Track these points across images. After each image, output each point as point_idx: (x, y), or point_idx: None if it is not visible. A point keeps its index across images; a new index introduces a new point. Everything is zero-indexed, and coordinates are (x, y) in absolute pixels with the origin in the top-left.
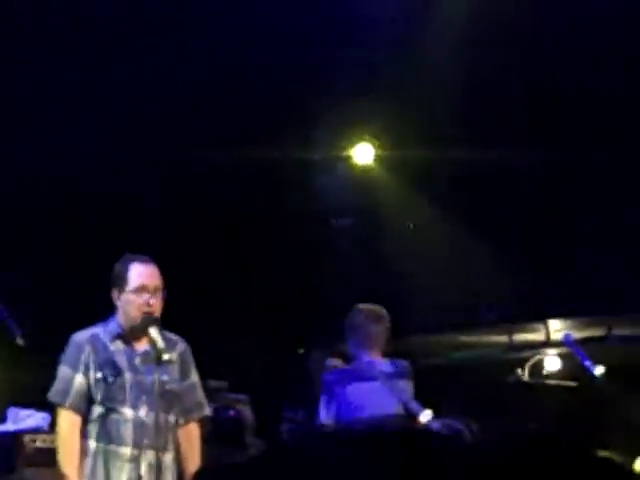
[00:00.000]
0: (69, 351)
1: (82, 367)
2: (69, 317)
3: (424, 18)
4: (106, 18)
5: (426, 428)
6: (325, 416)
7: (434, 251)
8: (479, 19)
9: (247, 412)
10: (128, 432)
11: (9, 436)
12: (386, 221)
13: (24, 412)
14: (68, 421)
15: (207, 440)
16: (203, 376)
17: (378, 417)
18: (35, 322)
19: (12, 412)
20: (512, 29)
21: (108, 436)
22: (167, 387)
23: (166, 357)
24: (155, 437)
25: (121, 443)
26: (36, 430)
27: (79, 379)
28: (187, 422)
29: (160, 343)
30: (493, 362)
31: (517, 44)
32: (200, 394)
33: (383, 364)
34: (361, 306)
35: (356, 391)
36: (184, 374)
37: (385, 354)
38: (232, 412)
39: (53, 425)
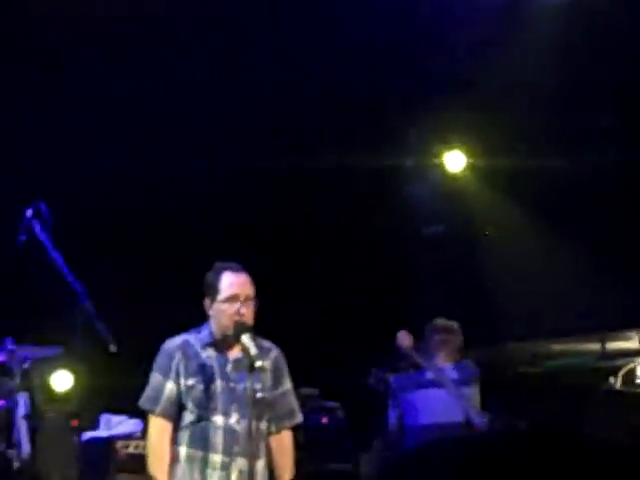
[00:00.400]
0: (160, 358)
1: (173, 374)
2: (161, 324)
3: (517, 27)
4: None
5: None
6: (390, 420)
7: (526, 259)
8: (573, 25)
9: (340, 419)
10: (219, 439)
11: (102, 442)
12: (477, 229)
13: (116, 418)
14: (158, 427)
15: (302, 447)
16: (296, 383)
17: (440, 425)
18: (127, 329)
19: (104, 418)
20: (606, 35)
21: (199, 443)
22: (259, 395)
23: (259, 364)
24: (246, 445)
25: (212, 450)
26: (128, 436)
27: (170, 386)
28: (279, 430)
29: (253, 350)
30: (586, 370)
31: (610, 49)
32: (293, 401)
33: (450, 370)
34: (435, 321)
35: (421, 398)
36: (277, 382)
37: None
38: (325, 419)
39: (146, 431)
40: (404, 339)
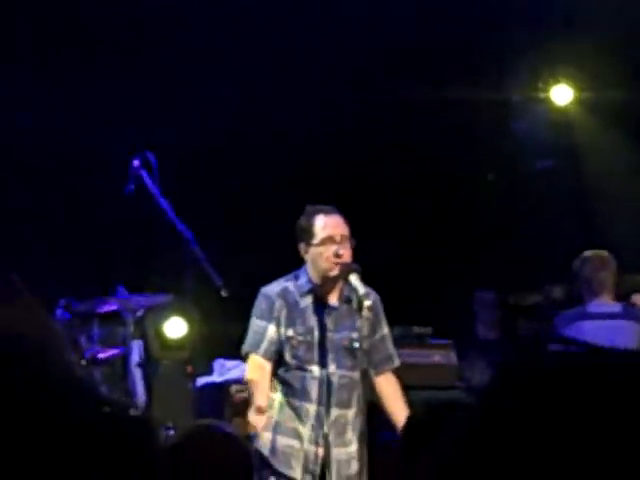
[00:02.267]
0: (261, 304)
1: (274, 320)
2: (271, 268)
3: None
4: None
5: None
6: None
7: (633, 193)
8: None
9: (452, 357)
10: (314, 389)
11: (216, 387)
12: (586, 163)
13: (230, 363)
14: (257, 364)
15: (412, 387)
16: (409, 322)
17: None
18: (237, 274)
19: (218, 364)
20: None
21: (294, 391)
22: (356, 345)
23: (367, 304)
24: (340, 394)
25: (307, 399)
26: (242, 381)
27: (272, 330)
28: (378, 375)
29: (361, 290)
30: None
31: None
32: (390, 346)
33: (612, 306)
34: (587, 253)
35: (584, 331)
36: (374, 327)
37: (617, 297)
38: (437, 357)
39: None
40: None
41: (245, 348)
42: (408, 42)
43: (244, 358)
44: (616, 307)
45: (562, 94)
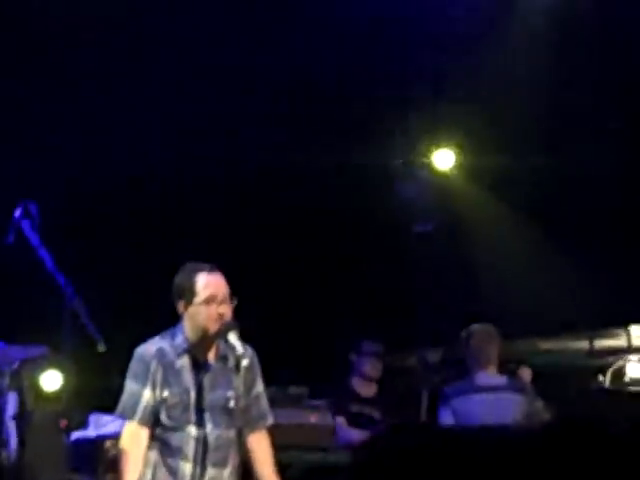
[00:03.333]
0: (136, 365)
1: (149, 383)
2: (149, 323)
3: (503, 23)
4: None
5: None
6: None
7: (513, 257)
8: (559, 22)
9: (328, 418)
10: (190, 449)
11: (91, 442)
12: (467, 227)
13: (106, 417)
14: (133, 433)
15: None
16: (284, 382)
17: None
18: (115, 328)
19: (94, 418)
20: (591, 30)
21: (170, 450)
22: (232, 403)
23: (245, 363)
24: (216, 454)
25: (183, 458)
26: (118, 435)
27: (147, 394)
28: (252, 432)
29: (239, 349)
30: (575, 368)
31: (597, 44)
32: (264, 404)
33: (498, 379)
34: (474, 327)
35: (473, 403)
36: (250, 386)
37: (499, 369)
38: (313, 418)
39: None
40: None
41: (119, 411)
42: (294, 106)
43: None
44: (502, 380)
45: (444, 159)
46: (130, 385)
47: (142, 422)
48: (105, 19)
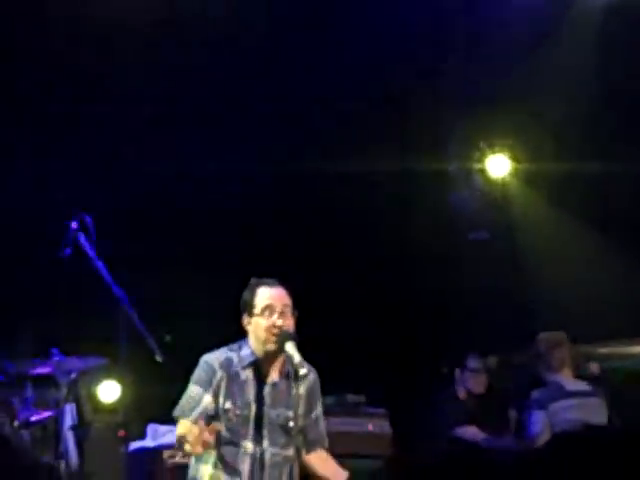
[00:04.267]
0: (201, 371)
1: (212, 390)
2: (207, 333)
3: (559, 29)
4: None
5: None
6: (540, 430)
7: (570, 264)
8: (616, 31)
9: (386, 426)
10: (246, 465)
11: (149, 452)
12: (522, 234)
13: (163, 428)
14: (186, 427)
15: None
16: (343, 391)
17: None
18: (173, 338)
19: (151, 428)
20: None
21: (225, 465)
22: (291, 423)
23: (303, 372)
24: (272, 472)
25: (238, 475)
26: (175, 446)
27: (208, 399)
28: (309, 453)
29: (297, 358)
30: (635, 373)
31: None
32: (322, 427)
33: (582, 384)
34: (542, 335)
35: (567, 408)
36: (310, 407)
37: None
38: (370, 426)
39: None
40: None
41: (177, 411)
42: (345, 113)
43: (175, 420)
44: (585, 385)
45: (499, 165)
46: (192, 388)
47: (196, 422)
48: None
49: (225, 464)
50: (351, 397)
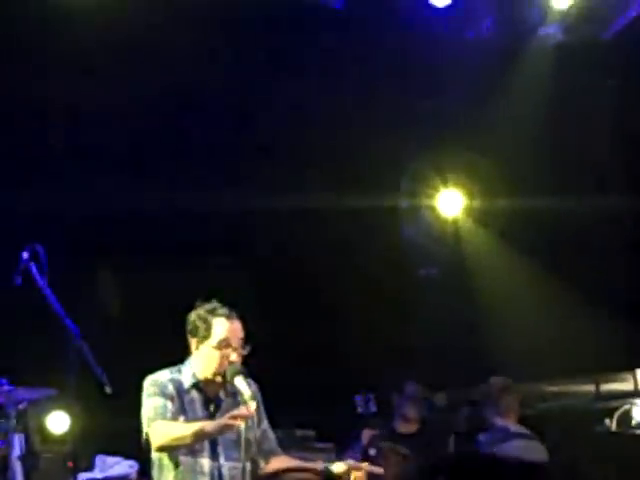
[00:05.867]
0: (153, 387)
1: (169, 399)
2: (155, 365)
3: (513, 65)
4: None
5: None
6: None
7: (521, 301)
8: (563, 68)
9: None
10: None
11: None
12: (473, 272)
13: (112, 459)
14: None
15: None
16: (290, 425)
17: None
18: (121, 370)
19: (100, 459)
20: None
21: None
22: (245, 436)
23: (253, 406)
24: None
25: None
26: (124, 478)
27: (170, 406)
28: (268, 463)
29: (247, 393)
30: (580, 412)
31: (592, 91)
32: (273, 438)
33: (517, 428)
34: (493, 379)
35: (513, 449)
36: (260, 418)
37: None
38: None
39: (141, 473)
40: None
41: (147, 425)
42: (301, 146)
43: (138, 454)
44: (526, 429)
45: (451, 201)
46: (151, 401)
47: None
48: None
49: (185, 476)
50: (300, 431)
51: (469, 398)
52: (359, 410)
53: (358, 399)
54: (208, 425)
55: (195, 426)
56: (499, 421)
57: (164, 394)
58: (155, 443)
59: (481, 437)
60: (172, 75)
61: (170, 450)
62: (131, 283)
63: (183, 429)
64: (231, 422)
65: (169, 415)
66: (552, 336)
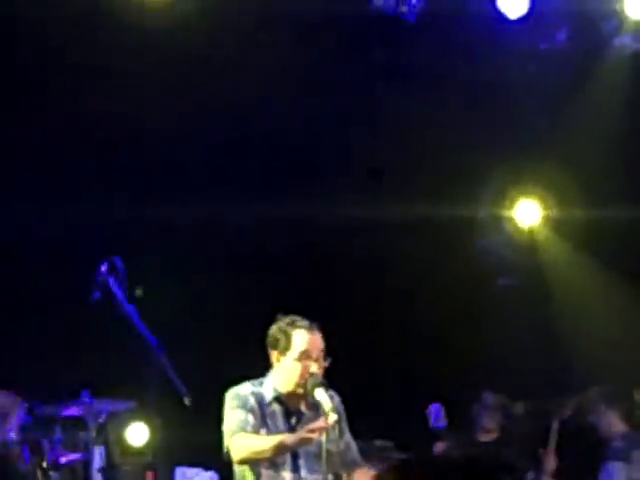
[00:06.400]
0: (235, 400)
1: (251, 412)
2: (235, 377)
3: (582, 77)
4: None
5: None
6: None
7: (599, 311)
8: (638, 77)
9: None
10: None
11: None
12: (552, 282)
13: (191, 471)
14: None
15: None
16: (370, 436)
17: None
18: (201, 382)
19: (180, 471)
20: None
21: None
22: (327, 448)
23: (333, 418)
24: None
25: None
26: None
27: (252, 420)
28: (350, 476)
29: (327, 405)
30: None
31: None
32: (355, 450)
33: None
34: (596, 389)
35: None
36: (340, 432)
37: None
38: None
39: None
40: None
41: (228, 438)
42: (375, 158)
43: (218, 465)
44: None
45: (528, 212)
46: (233, 414)
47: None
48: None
49: None
50: (379, 442)
51: (547, 408)
52: (431, 424)
53: (429, 413)
54: (288, 438)
55: (275, 439)
56: (619, 426)
57: (245, 407)
58: (236, 456)
59: (617, 444)
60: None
61: (251, 463)
62: (210, 294)
63: (264, 442)
64: (310, 435)
65: (250, 429)
66: (631, 345)
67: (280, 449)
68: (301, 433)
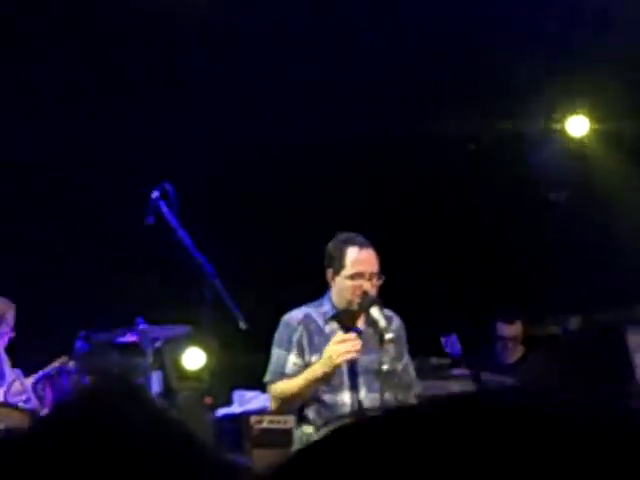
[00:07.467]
0: (281, 332)
1: (295, 348)
2: (291, 299)
3: None
4: None
5: None
6: None
7: None
8: None
9: (472, 388)
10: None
11: (235, 418)
12: (601, 195)
13: (249, 394)
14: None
15: None
16: (426, 354)
17: None
18: (256, 305)
19: (238, 394)
20: None
21: (326, 421)
22: (385, 367)
23: (389, 337)
24: None
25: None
26: (262, 411)
27: (293, 359)
28: (406, 399)
29: (382, 323)
30: None
31: None
32: (413, 374)
33: None
34: None
35: None
36: (399, 353)
37: None
38: (456, 388)
39: None
40: None
41: (267, 378)
42: (424, 75)
43: (265, 388)
44: None
45: (578, 125)
46: (275, 351)
47: None
48: None
49: (326, 419)
50: (435, 359)
51: (604, 321)
52: (446, 350)
53: (444, 340)
54: (317, 368)
55: (305, 376)
56: None
57: (289, 343)
58: (272, 408)
59: None
60: None
61: (290, 406)
62: (270, 224)
63: (295, 385)
64: (335, 349)
65: (289, 370)
66: None
67: (314, 382)
68: (324, 356)
